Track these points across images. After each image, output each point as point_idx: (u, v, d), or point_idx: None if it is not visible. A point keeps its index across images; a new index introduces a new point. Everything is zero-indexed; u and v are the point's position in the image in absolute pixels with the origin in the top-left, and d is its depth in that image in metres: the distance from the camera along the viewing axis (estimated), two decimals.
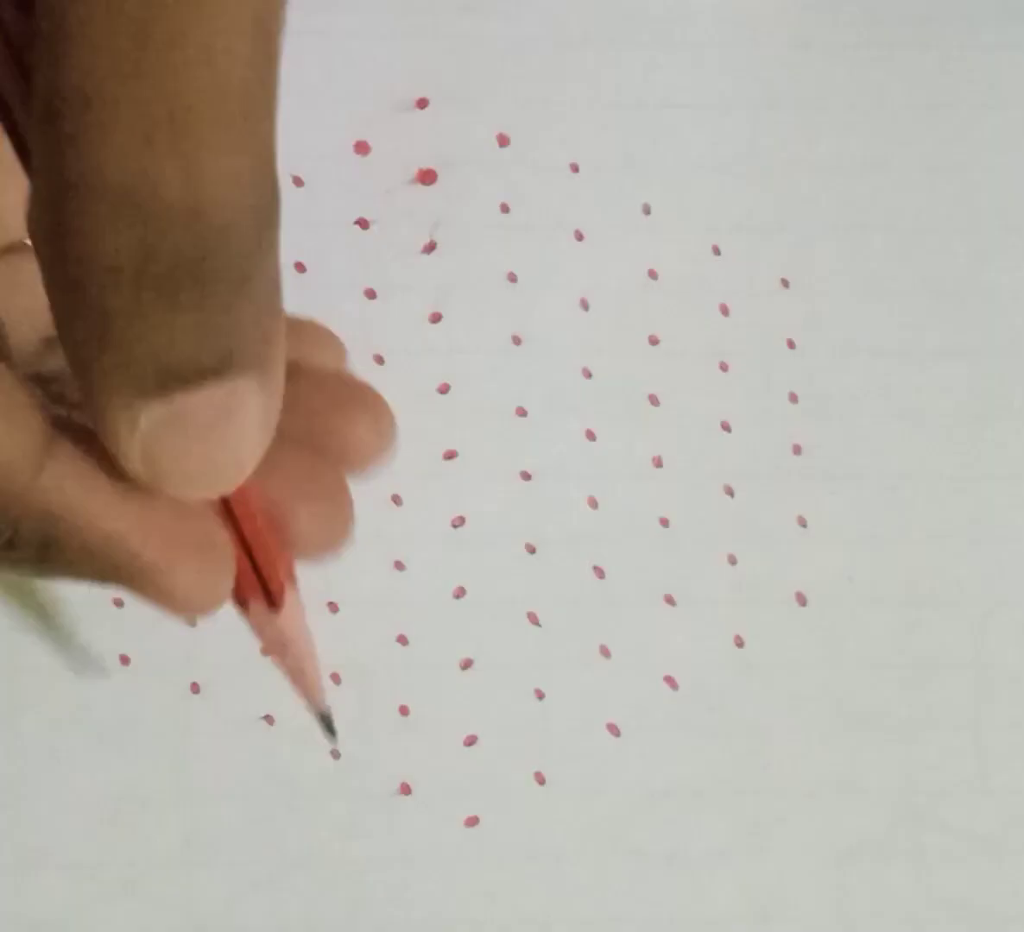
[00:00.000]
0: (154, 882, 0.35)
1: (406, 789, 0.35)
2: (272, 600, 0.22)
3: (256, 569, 0.22)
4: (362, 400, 0.23)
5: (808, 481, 0.37)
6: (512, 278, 0.36)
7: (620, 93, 0.37)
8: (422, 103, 0.36)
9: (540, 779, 0.35)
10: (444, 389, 0.36)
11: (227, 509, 0.21)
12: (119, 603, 0.35)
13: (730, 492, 0.37)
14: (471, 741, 0.35)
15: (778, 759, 0.36)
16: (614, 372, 0.37)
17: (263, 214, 0.17)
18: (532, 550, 0.36)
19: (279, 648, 0.23)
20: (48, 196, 0.16)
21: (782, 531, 0.36)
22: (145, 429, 0.17)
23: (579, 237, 0.37)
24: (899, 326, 0.37)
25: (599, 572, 0.36)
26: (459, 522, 0.36)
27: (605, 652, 0.36)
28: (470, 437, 0.36)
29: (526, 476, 0.36)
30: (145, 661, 0.35)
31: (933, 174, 0.38)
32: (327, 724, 0.26)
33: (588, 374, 0.36)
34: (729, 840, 0.36)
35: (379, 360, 0.36)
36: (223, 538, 0.21)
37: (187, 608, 0.21)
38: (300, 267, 0.36)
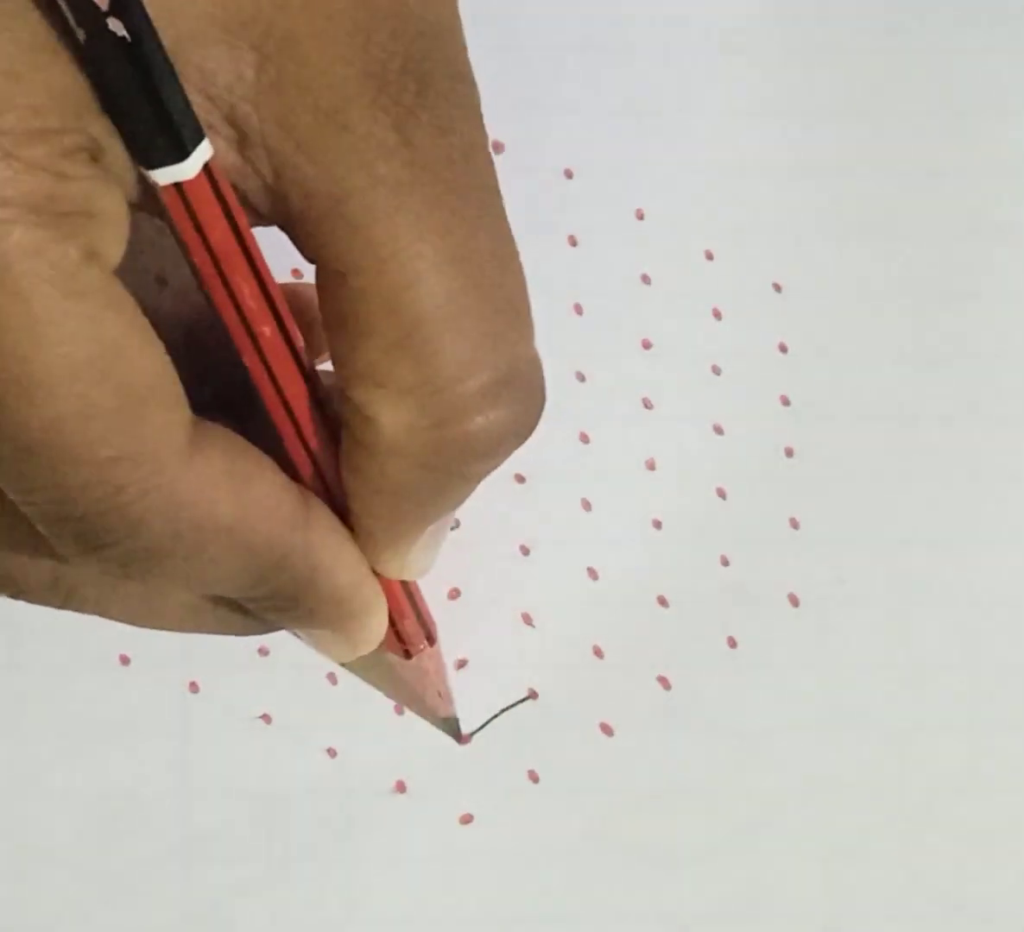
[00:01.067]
0: (152, 881, 0.35)
1: (401, 787, 0.36)
2: (430, 637, 0.28)
3: (421, 619, 0.27)
4: None
5: (800, 483, 0.37)
6: None
7: (613, 99, 0.38)
8: None
9: (534, 778, 0.36)
10: None
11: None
12: None
13: (722, 494, 0.37)
14: (466, 740, 0.36)
15: (770, 759, 0.36)
16: (608, 375, 0.37)
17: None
18: (526, 552, 0.36)
19: (427, 675, 0.29)
20: (424, 407, 0.20)
21: (774, 533, 0.37)
22: (420, 546, 0.24)
23: (572, 242, 0.37)
24: (892, 329, 0.37)
25: (592, 573, 0.36)
26: (453, 524, 0.36)
27: (598, 652, 0.36)
28: None
29: (520, 479, 0.36)
30: (144, 660, 0.35)
31: (927, 177, 0.38)
32: (455, 729, 0.31)
33: (582, 377, 0.37)
34: (721, 839, 0.36)
35: None
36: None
37: (363, 650, 0.26)
38: (296, 273, 0.36)
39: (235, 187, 0.20)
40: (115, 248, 0.19)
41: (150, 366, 0.19)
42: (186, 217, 0.19)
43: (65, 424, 0.18)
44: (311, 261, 0.21)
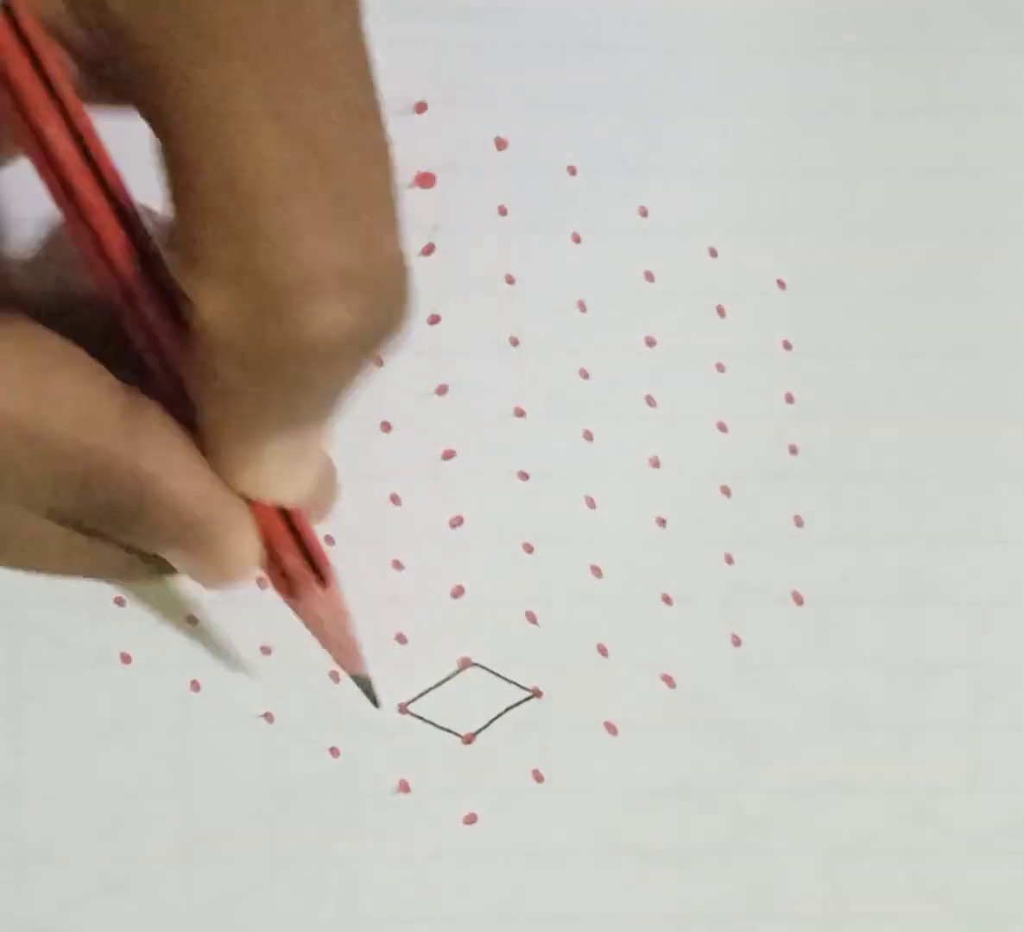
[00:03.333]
0: (153, 880, 0.35)
1: (404, 787, 0.35)
2: (322, 579, 0.26)
3: (308, 554, 0.25)
4: None
5: (805, 481, 0.37)
6: (510, 280, 0.37)
7: (617, 96, 0.37)
8: (420, 107, 0.37)
9: (538, 777, 0.36)
10: (442, 390, 0.36)
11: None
12: (120, 602, 0.35)
13: (727, 492, 0.37)
14: (469, 739, 0.36)
15: (774, 758, 0.36)
16: (611, 373, 0.37)
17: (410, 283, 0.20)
18: (530, 550, 0.36)
19: (321, 623, 0.27)
20: (244, 293, 0.18)
21: (779, 530, 0.37)
22: (268, 458, 0.21)
23: (576, 239, 0.37)
24: (896, 327, 0.37)
25: (596, 571, 0.36)
26: (457, 522, 0.36)
27: (602, 651, 0.36)
28: (468, 438, 0.36)
29: (524, 476, 0.36)
30: (145, 659, 0.35)
31: (930, 176, 0.38)
32: (367, 689, 0.30)
33: (585, 375, 0.37)
34: (724, 838, 0.36)
35: (377, 362, 0.36)
36: (253, 518, 0.23)
37: (230, 574, 0.24)
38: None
39: (62, 34, 0.18)
40: None
41: None
42: None
43: None
44: (147, 120, 0.18)
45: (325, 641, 0.28)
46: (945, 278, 0.38)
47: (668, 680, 0.36)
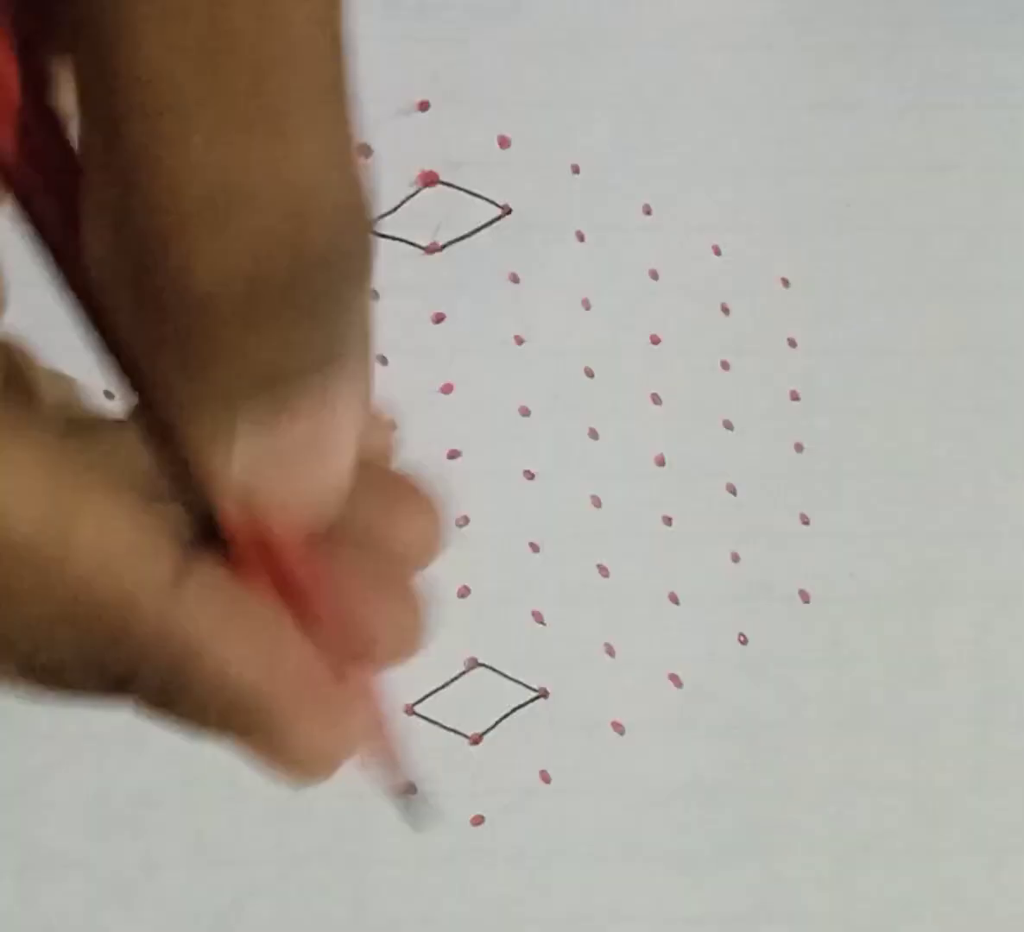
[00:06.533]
0: (160, 882, 0.35)
1: (411, 788, 0.35)
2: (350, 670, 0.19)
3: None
4: (415, 499, 0.20)
5: (810, 478, 0.37)
6: (514, 279, 0.36)
7: (620, 95, 0.37)
8: (424, 106, 0.37)
9: (545, 778, 0.35)
10: (447, 389, 0.36)
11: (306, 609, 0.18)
12: None
13: (732, 490, 0.37)
14: (477, 740, 0.35)
15: (781, 755, 0.36)
16: (616, 371, 0.37)
17: (367, 205, 0.15)
18: (536, 549, 0.36)
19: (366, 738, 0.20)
20: (123, 228, 0.15)
21: (784, 528, 0.37)
22: (249, 437, 0.16)
23: (580, 238, 0.37)
24: (899, 324, 0.37)
25: (603, 570, 0.36)
26: (463, 521, 0.36)
27: (609, 650, 0.36)
28: (473, 437, 0.36)
29: (529, 475, 0.36)
30: None
31: (933, 174, 0.38)
32: (412, 807, 0.22)
33: (590, 373, 0.37)
34: (733, 836, 0.36)
35: (383, 360, 0.36)
36: (350, 694, 0.18)
37: (303, 770, 0.18)
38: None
39: None
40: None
41: None
42: None
43: None
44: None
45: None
46: (948, 276, 0.38)
47: (675, 679, 0.36)
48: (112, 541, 0.16)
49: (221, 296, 0.15)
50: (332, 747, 0.17)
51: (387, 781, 0.24)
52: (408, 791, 0.24)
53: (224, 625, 0.17)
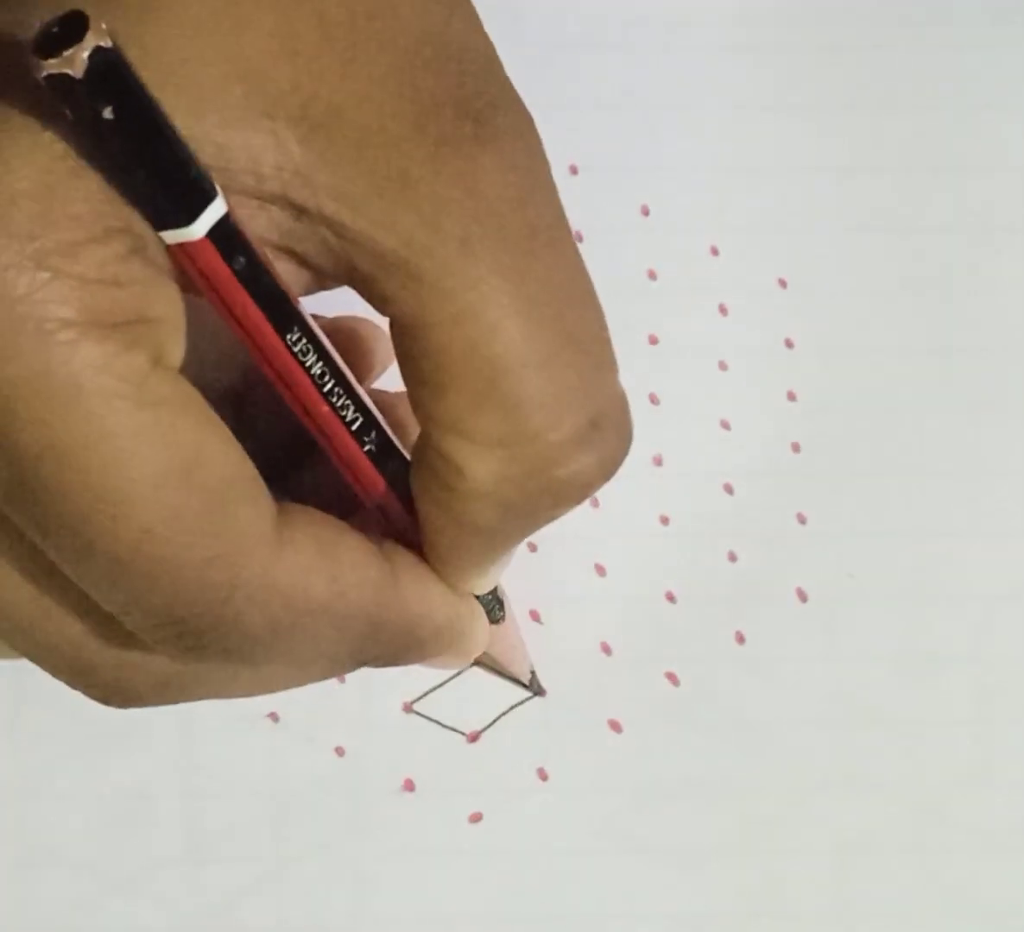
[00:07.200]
0: (158, 880, 0.35)
1: (410, 786, 0.35)
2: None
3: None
4: None
5: (807, 478, 0.37)
6: None
7: (618, 95, 0.38)
8: None
9: (543, 776, 0.36)
10: None
11: None
12: None
13: (730, 490, 0.37)
14: (475, 738, 0.36)
15: (780, 755, 0.36)
16: None
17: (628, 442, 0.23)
18: (533, 549, 0.36)
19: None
20: (513, 457, 0.20)
21: (782, 528, 0.37)
22: (493, 573, 0.25)
23: (579, 238, 0.37)
24: (897, 325, 0.38)
25: (600, 569, 0.36)
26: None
27: (606, 649, 0.36)
28: None
29: None
30: None
31: (931, 174, 0.38)
32: (535, 687, 0.35)
33: None
34: (731, 836, 0.36)
35: None
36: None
37: (472, 657, 0.27)
38: None
39: (294, 250, 0.19)
40: (178, 348, 0.19)
41: (229, 463, 0.19)
42: (200, 276, 0.19)
43: (155, 533, 0.18)
44: (384, 315, 0.20)
45: (512, 654, 0.33)
46: (945, 276, 0.38)
47: (672, 678, 0.36)
48: (355, 571, 0.22)
49: (580, 492, 0.22)
50: (487, 637, 0.26)
51: (512, 669, 0.32)
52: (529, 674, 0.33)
53: (428, 591, 0.24)
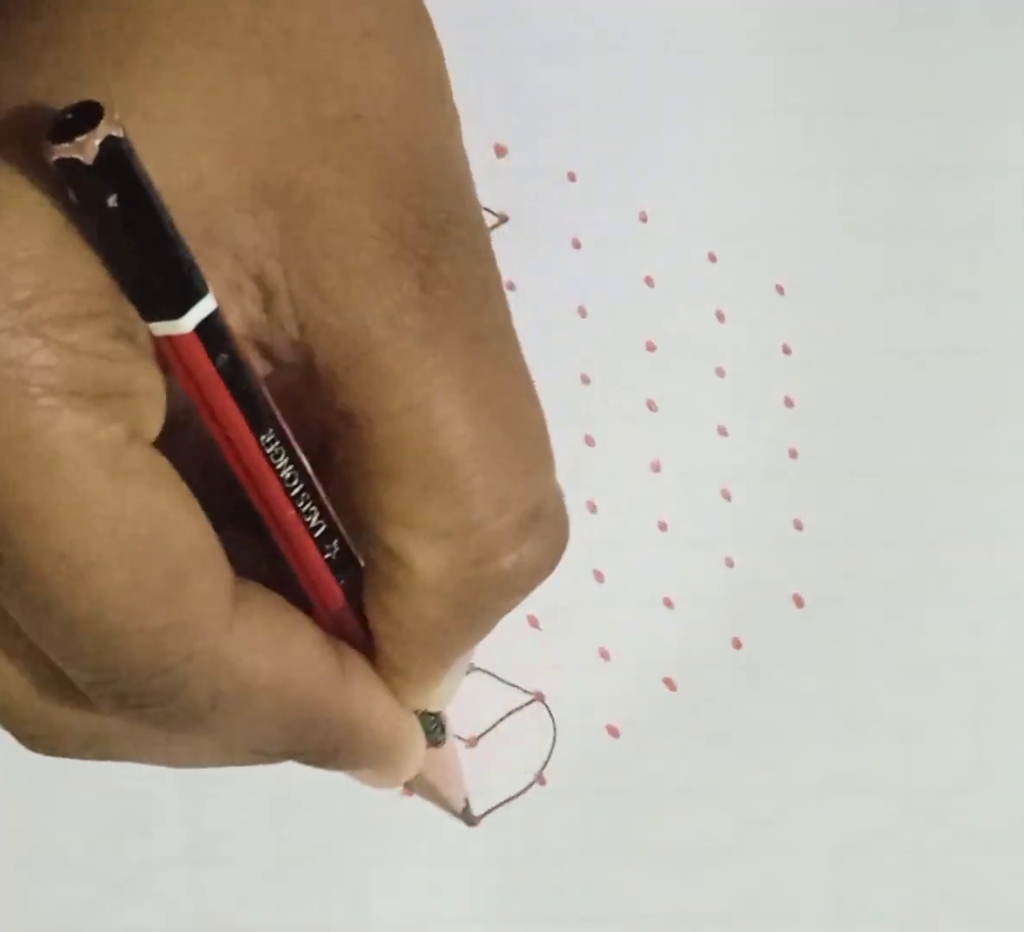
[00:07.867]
0: (158, 882, 0.35)
1: (409, 789, 0.36)
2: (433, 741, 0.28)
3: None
4: None
5: (804, 484, 0.37)
6: (510, 286, 0.37)
7: (616, 100, 0.38)
8: None
9: (541, 780, 0.36)
10: None
11: None
12: None
13: (727, 495, 0.37)
14: (473, 742, 0.36)
15: (777, 759, 0.36)
16: (612, 378, 0.37)
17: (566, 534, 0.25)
18: None
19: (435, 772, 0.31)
20: (458, 548, 0.21)
21: (779, 533, 0.37)
22: (445, 681, 0.24)
23: (576, 245, 0.37)
24: (894, 330, 0.38)
25: (598, 575, 0.36)
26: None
27: (604, 654, 0.36)
28: None
29: None
30: None
31: (929, 178, 0.38)
32: (467, 817, 0.34)
33: (586, 380, 0.37)
34: (728, 840, 0.36)
35: None
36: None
37: (405, 778, 0.26)
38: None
39: (260, 342, 0.20)
40: (155, 422, 0.20)
41: (194, 536, 0.20)
42: (182, 369, 0.19)
43: (113, 598, 0.19)
44: (332, 408, 0.21)
45: (447, 779, 0.32)
46: (945, 279, 0.38)
47: (669, 683, 0.36)
48: (307, 661, 0.22)
49: (525, 583, 0.22)
50: (422, 758, 0.26)
51: (446, 794, 0.32)
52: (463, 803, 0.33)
53: (374, 695, 0.23)
